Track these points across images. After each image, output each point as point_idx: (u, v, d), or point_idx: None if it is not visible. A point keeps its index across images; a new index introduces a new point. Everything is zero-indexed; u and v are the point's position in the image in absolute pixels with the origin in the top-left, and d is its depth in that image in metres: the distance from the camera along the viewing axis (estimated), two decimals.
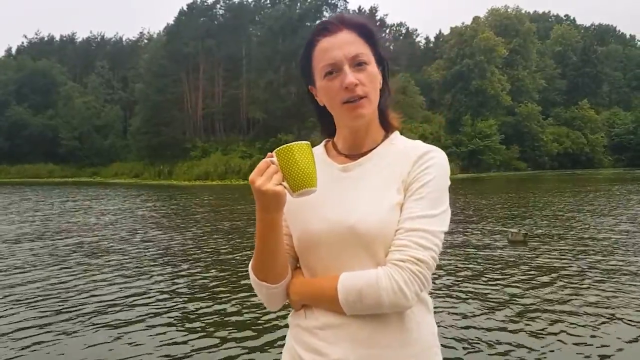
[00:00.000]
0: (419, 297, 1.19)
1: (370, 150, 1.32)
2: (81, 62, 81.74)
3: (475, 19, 67.57)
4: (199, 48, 57.98)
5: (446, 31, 78.02)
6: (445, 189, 1.24)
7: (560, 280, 7.54)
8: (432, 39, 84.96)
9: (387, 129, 1.36)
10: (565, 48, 76.69)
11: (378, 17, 68.79)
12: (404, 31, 75.73)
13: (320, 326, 1.24)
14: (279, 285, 1.28)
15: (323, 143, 1.42)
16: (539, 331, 5.43)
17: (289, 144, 1.16)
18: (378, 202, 1.22)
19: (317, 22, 1.33)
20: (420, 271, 1.15)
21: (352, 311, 1.18)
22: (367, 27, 1.29)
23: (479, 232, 12.40)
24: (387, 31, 72.13)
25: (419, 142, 1.31)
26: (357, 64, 1.24)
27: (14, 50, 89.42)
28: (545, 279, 7.70)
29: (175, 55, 57.02)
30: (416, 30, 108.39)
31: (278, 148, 1.16)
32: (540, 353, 4.86)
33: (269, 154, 1.18)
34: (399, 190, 1.22)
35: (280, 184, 1.15)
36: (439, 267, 8.46)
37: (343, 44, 1.25)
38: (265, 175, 1.15)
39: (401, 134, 1.38)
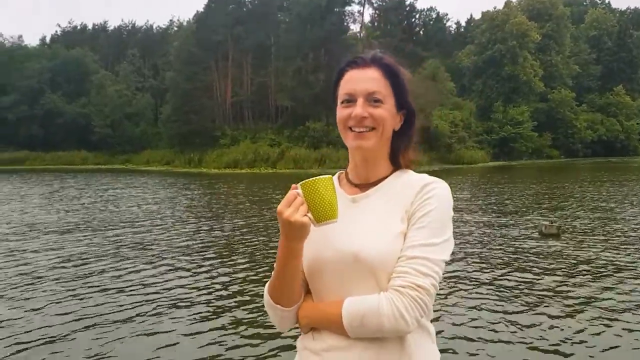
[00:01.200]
0: (419, 323, 1.25)
1: (379, 181, 1.40)
2: (113, 51, 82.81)
3: (508, 3, 66.21)
4: (228, 36, 58.12)
5: (477, 16, 76.75)
6: (448, 219, 1.31)
7: (600, 277, 7.40)
8: (463, 24, 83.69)
9: (397, 166, 1.43)
10: (600, 32, 74.58)
11: (407, 2, 67.85)
12: (434, 16, 74.44)
13: (326, 348, 1.31)
14: (292, 309, 1.36)
15: (337, 174, 1.50)
16: (574, 327, 5.37)
17: (313, 179, 1.24)
18: (382, 231, 1.29)
19: (351, 57, 1.43)
20: (420, 297, 1.22)
21: (356, 335, 1.26)
22: (395, 70, 1.38)
23: (510, 224, 12.26)
24: (417, 16, 71.06)
25: (425, 175, 1.38)
26: (373, 100, 1.34)
27: (48, 39, 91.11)
28: (582, 274, 7.58)
29: (205, 43, 57.27)
30: (447, 14, 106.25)
31: (303, 181, 1.24)
32: (574, 349, 4.81)
33: (294, 185, 1.27)
34: (403, 219, 1.30)
35: (306, 215, 1.24)
36: (467, 258, 8.44)
37: (365, 79, 1.35)
38: (293, 207, 1.23)
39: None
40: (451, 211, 1.33)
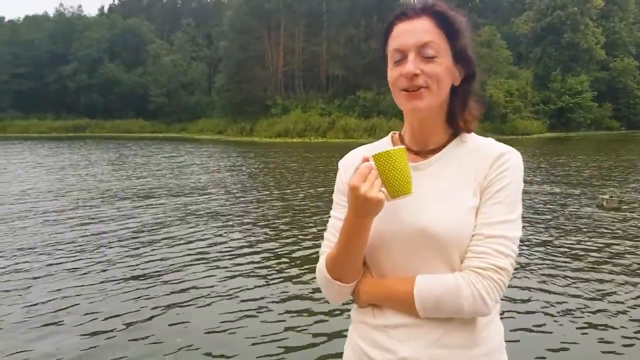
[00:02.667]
0: (497, 304, 1.21)
1: (439, 148, 1.29)
2: (168, 20, 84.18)
3: None
4: (280, 4, 58.11)
5: None
6: (520, 192, 1.23)
7: None
8: None
9: (456, 130, 1.31)
10: None
11: None
12: None
13: (391, 325, 1.24)
14: (352, 284, 1.29)
15: (390, 135, 1.41)
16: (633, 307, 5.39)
17: (387, 150, 1.16)
18: (452, 204, 1.20)
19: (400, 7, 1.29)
20: (501, 279, 1.15)
21: (428, 315, 1.20)
22: (449, 17, 1.23)
23: (568, 197, 12.16)
24: None
25: (492, 141, 1.27)
26: (426, 54, 1.21)
27: (106, 9, 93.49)
28: None
29: (257, 11, 57.48)
30: None
31: (376, 153, 1.17)
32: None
33: (364, 157, 1.19)
34: (475, 192, 1.21)
35: (381, 190, 1.16)
36: (531, 228, 8.48)
37: (415, 32, 1.21)
38: (369, 182, 1.15)
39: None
40: (522, 184, 1.24)
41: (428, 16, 1.22)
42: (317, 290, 5.89)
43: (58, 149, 33.86)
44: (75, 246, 7.96)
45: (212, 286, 6.15)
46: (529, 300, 5.53)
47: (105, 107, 66.97)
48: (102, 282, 6.25)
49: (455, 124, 1.29)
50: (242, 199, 12.64)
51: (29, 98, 68.60)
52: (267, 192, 13.65)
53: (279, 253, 7.63)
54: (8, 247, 7.82)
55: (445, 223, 1.18)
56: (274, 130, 47.47)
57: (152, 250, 7.76)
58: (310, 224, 9.56)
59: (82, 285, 6.14)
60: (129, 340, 4.65)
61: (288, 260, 7.24)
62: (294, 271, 6.70)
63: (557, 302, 5.47)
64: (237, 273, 6.65)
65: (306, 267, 6.84)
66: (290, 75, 59.34)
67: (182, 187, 14.63)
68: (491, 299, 1.15)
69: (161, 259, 7.26)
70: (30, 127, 62.87)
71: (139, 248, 7.88)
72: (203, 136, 53.01)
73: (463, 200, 1.20)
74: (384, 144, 1.38)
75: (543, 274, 6.40)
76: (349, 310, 1.35)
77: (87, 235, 8.69)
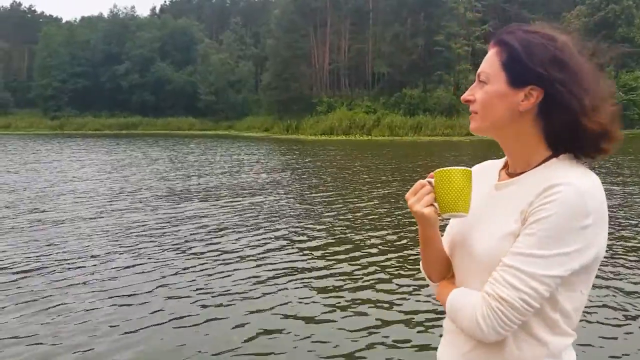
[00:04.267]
0: (500, 334, 1.16)
1: (523, 172, 1.27)
2: (217, 19, 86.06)
3: None
4: (326, 2, 58.54)
5: None
6: (569, 230, 1.11)
7: None
8: None
9: (559, 152, 1.24)
10: None
11: None
12: None
13: (445, 328, 1.37)
14: (437, 284, 1.40)
15: (505, 158, 1.38)
16: None
17: (449, 168, 1.23)
18: (496, 228, 1.22)
19: None
20: (501, 309, 1.13)
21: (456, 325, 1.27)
22: (506, 41, 1.23)
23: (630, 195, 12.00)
24: None
25: (561, 173, 1.17)
26: (480, 81, 1.27)
27: (157, 10, 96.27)
28: None
29: (304, 9, 58.11)
30: None
31: (438, 169, 1.24)
32: None
33: (431, 173, 1.27)
34: (517, 220, 1.18)
35: (432, 205, 1.25)
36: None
37: (485, 59, 1.28)
38: (417, 196, 1.26)
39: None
40: (579, 221, 1.11)
41: (495, 44, 1.26)
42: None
43: (117, 146, 35.16)
44: (156, 245, 7.97)
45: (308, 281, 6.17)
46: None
47: (157, 105, 69.22)
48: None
49: (557, 147, 1.24)
50: (308, 197, 12.59)
51: (84, 97, 71.61)
52: (332, 192, 13.41)
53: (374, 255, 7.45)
54: (83, 249, 7.73)
55: (484, 245, 1.23)
56: (319, 127, 47.83)
57: (215, 253, 7.62)
58: (384, 226, 9.30)
59: (165, 288, 6.04)
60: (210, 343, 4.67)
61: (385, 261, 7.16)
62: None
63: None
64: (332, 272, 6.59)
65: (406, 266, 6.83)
66: (336, 73, 59.72)
67: (243, 185, 14.69)
68: (487, 325, 1.15)
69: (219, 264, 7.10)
70: (85, 124, 65.63)
71: (216, 247, 7.83)
72: (250, 134, 53.91)
73: (504, 226, 1.20)
74: (498, 163, 1.40)
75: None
76: None
77: (164, 235, 8.65)
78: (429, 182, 1.26)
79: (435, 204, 1.25)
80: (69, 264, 6.99)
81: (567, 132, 1.20)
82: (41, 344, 4.58)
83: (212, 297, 5.75)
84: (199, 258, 7.28)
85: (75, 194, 13.23)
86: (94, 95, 72.27)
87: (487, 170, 1.38)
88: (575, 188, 1.12)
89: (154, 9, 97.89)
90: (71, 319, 5.12)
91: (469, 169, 1.25)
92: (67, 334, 4.78)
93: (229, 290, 5.97)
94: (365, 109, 50.30)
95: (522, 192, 1.20)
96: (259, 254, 7.51)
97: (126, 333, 4.81)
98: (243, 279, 6.34)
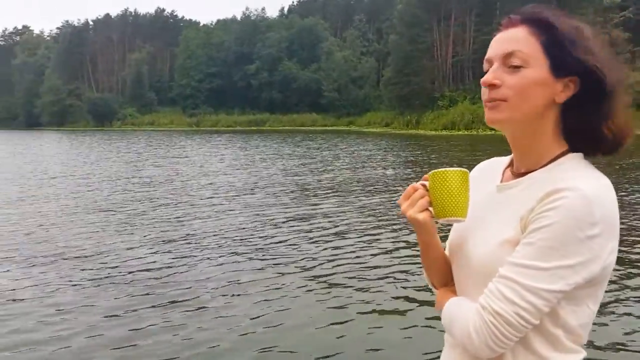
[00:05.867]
0: (494, 351, 1.06)
1: (529, 172, 1.15)
2: (341, 17, 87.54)
3: None
4: None
5: None
6: (574, 241, 1.00)
7: None
8: None
9: (575, 151, 1.14)
10: None
11: None
12: None
13: (445, 339, 1.28)
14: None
15: (511, 156, 1.25)
16: None
17: (444, 170, 1.14)
18: (494, 233, 1.12)
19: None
20: (494, 324, 1.03)
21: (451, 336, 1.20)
22: (547, 23, 1.09)
23: None
24: None
25: (569, 175, 1.06)
26: (511, 64, 1.09)
27: (285, 10, 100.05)
28: None
29: (428, 3, 57.29)
30: None
31: (433, 171, 1.15)
32: None
33: (425, 176, 1.18)
34: (516, 227, 1.08)
35: (427, 209, 1.16)
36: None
37: (505, 40, 1.11)
38: (410, 201, 1.17)
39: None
40: (587, 230, 1.00)
41: (524, 24, 1.11)
42: None
43: (249, 141, 37.16)
44: (300, 240, 8.03)
45: None
46: None
47: (283, 102, 72.32)
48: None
49: (574, 145, 1.13)
50: None
51: (218, 95, 76.91)
52: None
53: None
54: (224, 247, 7.73)
55: (480, 252, 1.13)
56: (440, 122, 47.02)
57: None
58: None
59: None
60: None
61: None
62: None
63: None
64: None
65: None
66: (459, 66, 58.21)
67: (370, 181, 14.71)
68: (480, 341, 1.05)
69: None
70: (219, 121, 70.51)
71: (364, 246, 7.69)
72: (370, 129, 54.41)
73: (502, 232, 1.10)
74: (504, 160, 1.29)
75: None
76: None
77: (300, 231, 8.65)
78: (423, 185, 1.17)
79: (431, 209, 1.16)
80: (209, 259, 7.08)
81: (590, 128, 1.11)
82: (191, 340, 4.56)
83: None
84: (343, 252, 7.23)
85: (213, 188, 13.84)
86: (227, 94, 77.30)
87: (493, 169, 1.28)
88: (582, 194, 1.01)
89: (282, 9, 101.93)
90: (209, 313, 5.15)
91: (465, 170, 1.15)
92: (217, 329, 4.79)
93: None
94: None
95: (523, 195, 1.10)
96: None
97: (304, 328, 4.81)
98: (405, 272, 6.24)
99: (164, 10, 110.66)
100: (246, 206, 11.05)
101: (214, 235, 8.41)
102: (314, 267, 6.65)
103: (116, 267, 6.75)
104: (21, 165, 21.94)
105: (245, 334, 4.70)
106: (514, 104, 1.09)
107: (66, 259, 7.16)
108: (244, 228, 8.93)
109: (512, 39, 1.10)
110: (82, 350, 4.42)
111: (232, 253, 7.34)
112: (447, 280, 1.29)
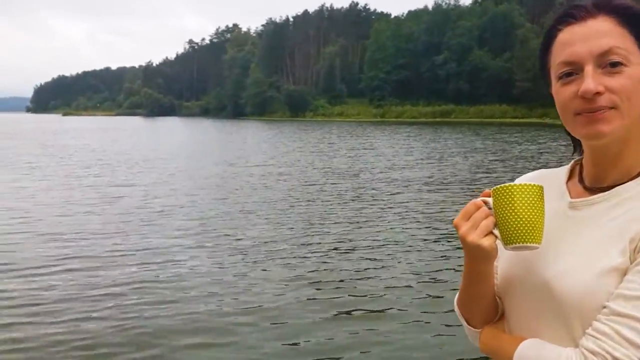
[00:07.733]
0: None
1: (615, 185, 0.98)
2: (540, 3, 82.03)
3: None
4: None
5: None
6: None
7: None
8: None
9: None
10: None
11: None
12: None
13: None
14: (479, 330, 1.11)
15: (571, 163, 1.11)
16: None
17: (510, 184, 0.95)
18: (589, 260, 0.92)
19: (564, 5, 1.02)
20: None
21: None
22: (635, 10, 0.93)
23: None
24: None
25: None
26: (610, 63, 0.91)
27: None
28: None
29: None
30: None
31: (496, 187, 0.96)
32: None
33: (486, 191, 0.99)
34: (624, 251, 0.90)
35: (491, 233, 0.96)
36: None
37: (590, 36, 0.93)
38: (471, 222, 0.96)
39: None
40: None
41: (606, 14, 0.94)
42: None
43: (437, 134, 37.24)
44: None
45: None
46: None
47: (471, 93, 70.38)
48: None
49: None
50: None
51: (405, 86, 77.52)
52: None
53: None
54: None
55: (571, 282, 0.93)
56: None
57: None
58: None
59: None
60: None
61: None
62: None
63: None
64: None
65: None
66: None
67: None
68: None
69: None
70: (404, 112, 71.25)
71: None
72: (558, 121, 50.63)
73: (603, 258, 0.91)
74: (560, 173, 1.11)
75: None
76: None
77: None
78: (485, 203, 0.98)
79: (496, 232, 0.96)
80: (382, 247, 7.93)
81: None
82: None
83: None
84: None
85: (395, 182, 14.29)
86: (413, 85, 77.61)
87: (549, 183, 1.05)
88: None
89: None
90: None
91: (539, 184, 0.96)
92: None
93: None
94: None
95: (618, 213, 0.94)
96: None
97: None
98: None
99: (357, 4, 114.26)
100: (427, 203, 11.40)
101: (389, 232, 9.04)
102: None
103: (308, 263, 7.39)
104: (227, 151, 24.81)
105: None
106: (623, 111, 0.92)
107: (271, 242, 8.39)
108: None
109: (602, 33, 0.92)
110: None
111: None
112: (490, 318, 1.10)
